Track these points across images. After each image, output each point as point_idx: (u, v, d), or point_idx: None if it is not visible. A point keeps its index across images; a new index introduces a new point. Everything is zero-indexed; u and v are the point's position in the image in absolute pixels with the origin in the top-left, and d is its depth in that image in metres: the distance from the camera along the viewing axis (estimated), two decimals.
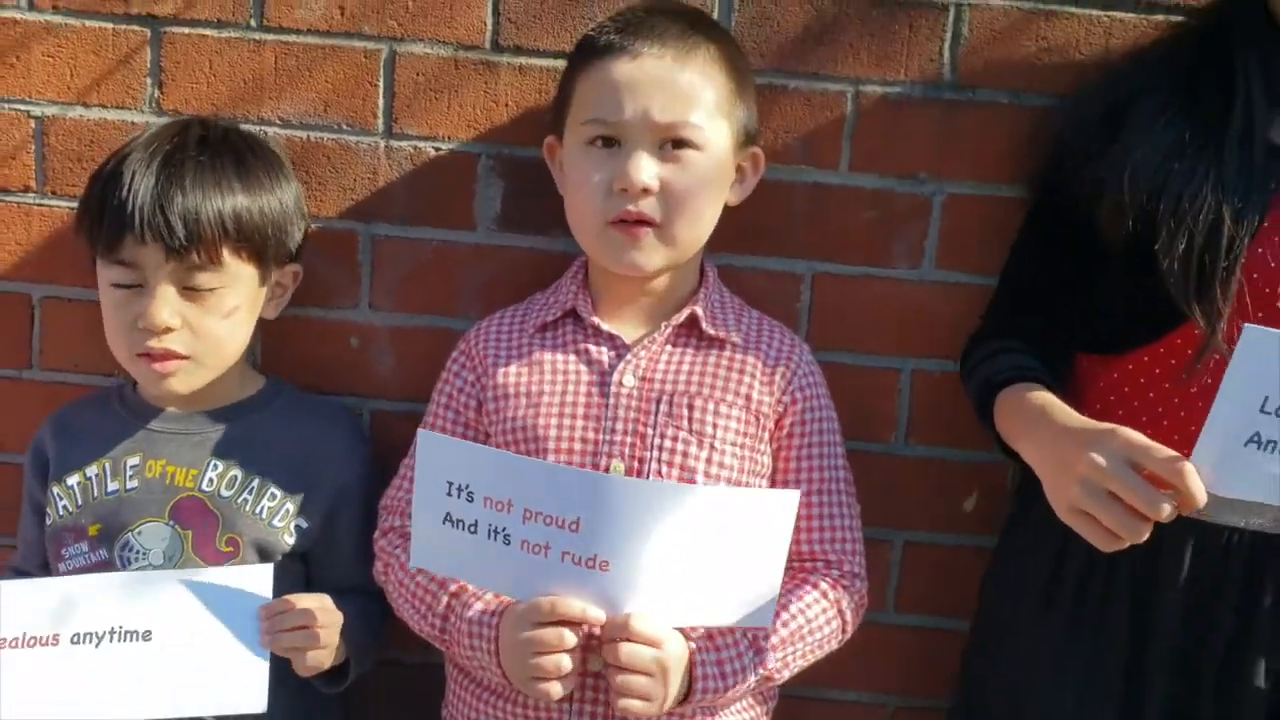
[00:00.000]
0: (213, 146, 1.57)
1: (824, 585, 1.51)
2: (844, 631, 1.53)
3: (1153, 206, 1.39)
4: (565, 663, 1.34)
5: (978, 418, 1.55)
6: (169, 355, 1.54)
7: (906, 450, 1.78)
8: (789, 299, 1.74)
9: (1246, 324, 1.23)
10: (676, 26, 1.50)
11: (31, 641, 1.44)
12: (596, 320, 1.55)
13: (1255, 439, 1.22)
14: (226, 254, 1.54)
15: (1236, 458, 1.23)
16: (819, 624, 1.48)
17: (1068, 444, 1.33)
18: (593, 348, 1.54)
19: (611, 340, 1.54)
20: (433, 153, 1.71)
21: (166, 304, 1.52)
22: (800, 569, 1.53)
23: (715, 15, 1.67)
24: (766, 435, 1.53)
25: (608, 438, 1.49)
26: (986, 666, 1.61)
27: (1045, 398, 1.44)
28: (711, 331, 1.54)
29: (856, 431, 1.70)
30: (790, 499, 1.33)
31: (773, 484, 1.55)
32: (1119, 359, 1.48)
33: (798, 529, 1.52)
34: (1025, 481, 1.58)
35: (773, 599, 1.35)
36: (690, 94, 1.47)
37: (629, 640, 1.32)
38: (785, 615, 1.45)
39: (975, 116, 1.69)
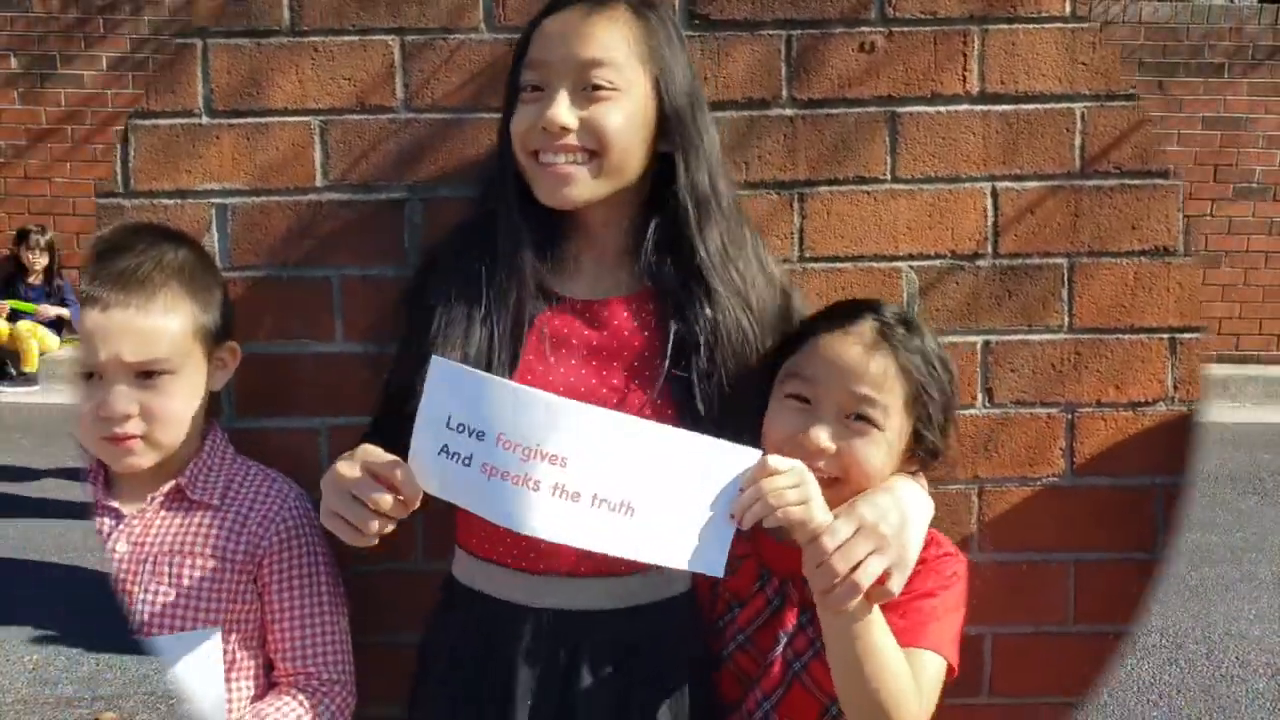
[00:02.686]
0: None
1: (300, 696, 1.83)
2: None
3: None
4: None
5: None
6: None
7: None
8: (311, 450, 2.08)
9: (434, 355, 1.52)
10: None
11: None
12: (100, 497, 1.87)
13: (445, 449, 1.50)
14: None
15: (434, 462, 1.51)
16: None
17: None
18: (98, 519, 1.85)
19: (114, 513, 1.86)
20: None
21: None
22: (286, 682, 1.85)
23: (213, 224, 2.02)
24: (247, 577, 1.84)
25: None
26: None
27: None
28: (195, 498, 1.86)
29: None
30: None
31: (264, 611, 1.85)
32: None
33: (283, 646, 1.85)
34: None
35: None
36: (156, 334, 1.76)
37: None
38: None
39: None
